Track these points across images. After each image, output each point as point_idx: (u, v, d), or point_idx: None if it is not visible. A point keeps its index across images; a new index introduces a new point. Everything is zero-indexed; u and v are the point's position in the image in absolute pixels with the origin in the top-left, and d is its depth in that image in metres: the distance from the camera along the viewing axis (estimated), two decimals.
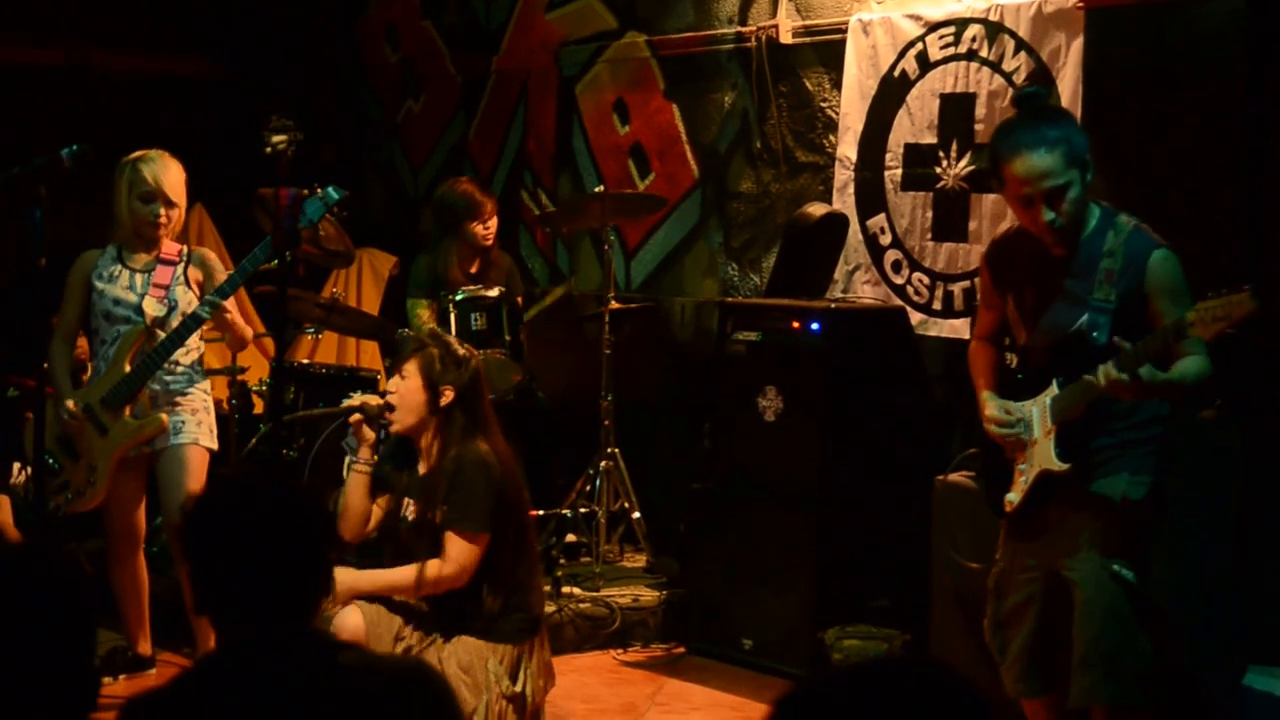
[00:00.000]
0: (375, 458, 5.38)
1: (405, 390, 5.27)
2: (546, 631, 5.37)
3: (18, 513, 6.83)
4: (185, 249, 6.37)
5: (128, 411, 6.19)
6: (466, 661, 5.10)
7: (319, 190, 5.93)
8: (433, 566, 5.11)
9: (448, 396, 5.24)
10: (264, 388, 7.89)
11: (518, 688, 5.15)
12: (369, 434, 5.35)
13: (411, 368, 5.28)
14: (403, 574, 5.16)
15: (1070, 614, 4.66)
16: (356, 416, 5.33)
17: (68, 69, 9.65)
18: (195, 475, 6.24)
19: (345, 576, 5.10)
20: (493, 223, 7.82)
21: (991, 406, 4.85)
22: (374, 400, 5.35)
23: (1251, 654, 5.35)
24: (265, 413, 7.79)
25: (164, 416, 6.21)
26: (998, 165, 4.62)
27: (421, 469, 5.31)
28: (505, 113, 9.35)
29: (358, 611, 5.11)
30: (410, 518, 5.30)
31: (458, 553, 5.11)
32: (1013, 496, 4.79)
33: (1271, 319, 4.43)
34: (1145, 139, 6.34)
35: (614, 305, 7.68)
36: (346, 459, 5.41)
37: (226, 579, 2.87)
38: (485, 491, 5.15)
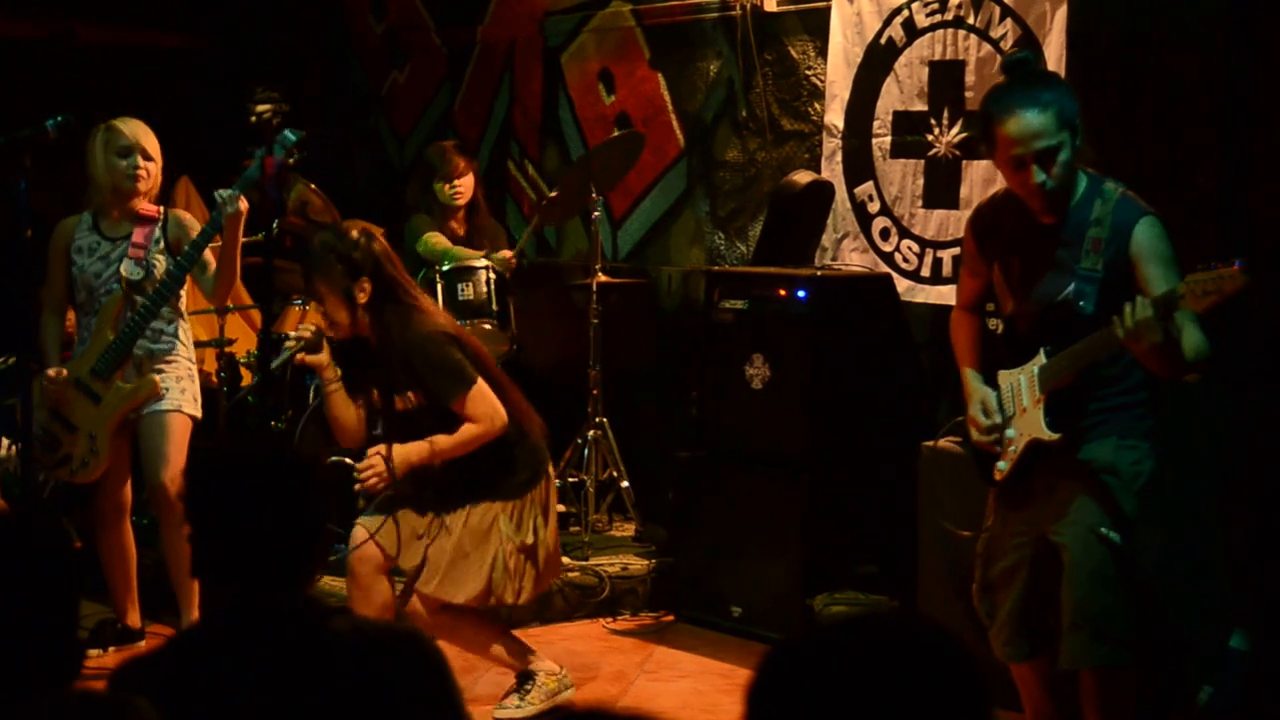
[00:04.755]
0: (339, 371, 5.55)
1: (328, 307, 5.45)
2: (552, 475, 5.69)
3: (7, 487, 6.82)
4: (163, 209, 6.36)
5: (119, 377, 6.20)
6: (476, 526, 5.46)
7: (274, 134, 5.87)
8: (468, 430, 5.40)
9: (365, 291, 5.39)
10: (251, 360, 7.89)
11: (529, 539, 5.49)
12: (321, 358, 5.53)
13: (322, 286, 5.45)
14: (448, 442, 5.42)
15: (1059, 578, 4.67)
16: (301, 356, 5.52)
17: (52, 41, 9.61)
18: (176, 443, 6.24)
19: (400, 452, 5.40)
20: (462, 183, 7.82)
21: (973, 404, 4.85)
22: (307, 331, 5.54)
23: (1238, 617, 5.37)
24: (253, 384, 7.78)
25: (156, 378, 6.23)
26: (989, 127, 4.62)
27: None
28: (491, 83, 9.32)
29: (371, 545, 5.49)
30: (381, 406, 5.54)
31: (475, 409, 5.41)
32: (1002, 465, 4.79)
33: (1258, 284, 4.43)
34: (1130, 106, 6.33)
35: (601, 279, 7.68)
36: (315, 383, 5.64)
37: (222, 545, 2.88)
38: (448, 353, 5.39)
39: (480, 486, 5.51)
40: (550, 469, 5.69)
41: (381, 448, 5.41)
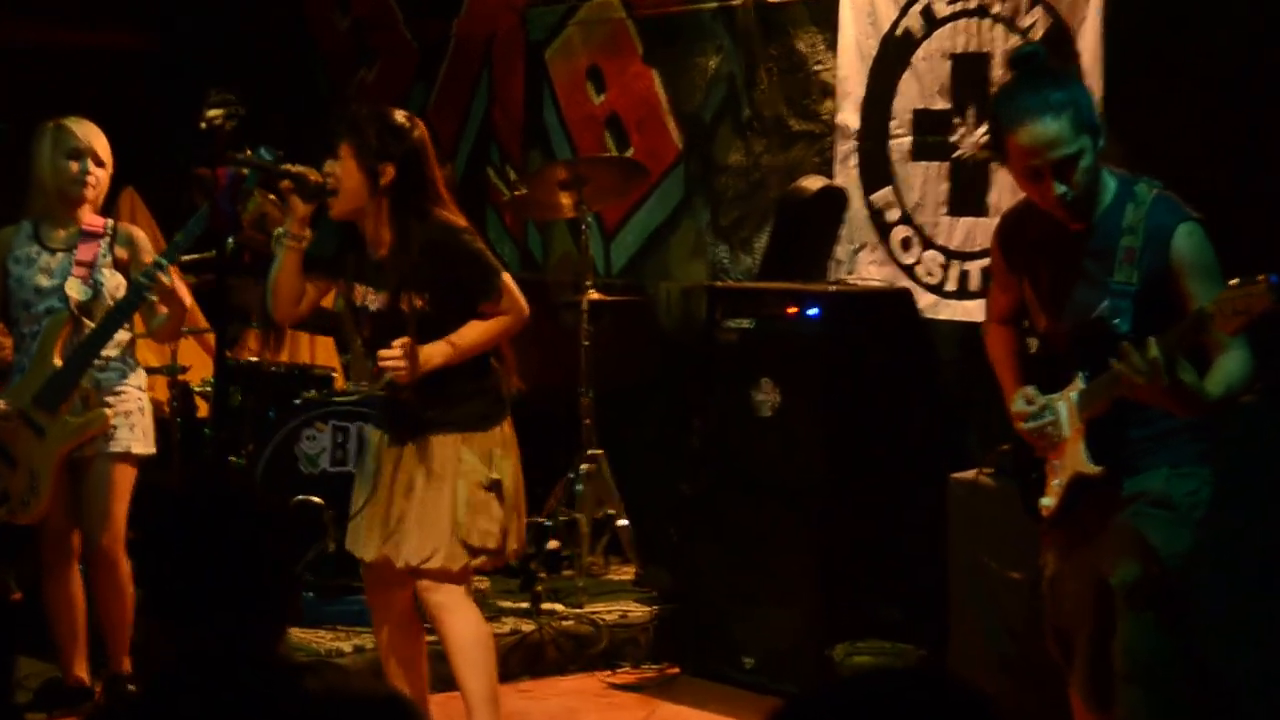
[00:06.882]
0: (308, 233, 5.48)
1: (342, 173, 5.37)
2: (511, 416, 5.65)
3: None
4: (111, 223, 6.35)
5: (65, 409, 6.17)
6: (439, 463, 5.38)
7: (248, 152, 5.85)
8: (498, 322, 5.47)
9: (388, 175, 5.34)
10: (207, 388, 7.86)
11: (495, 474, 5.45)
12: (300, 206, 5.41)
13: (345, 149, 5.37)
14: (473, 334, 5.43)
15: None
16: (287, 183, 5.39)
17: None
18: (119, 498, 6.24)
19: (425, 351, 5.30)
20: None
21: (1015, 401, 4.79)
22: (314, 174, 5.39)
23: None
24: (210, 415, 7.75)
25: (107, 411, 6.18)
26: (1000, 136, 4.58)
27: (376, 254, 5.43)
28: (467, 82, 9.32)
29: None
30: (373, 307, 5.46)
31: (506, 301, 5.47)
32: (1048, 501, 4.72)
33: None
34: (1173, 100, 6.31)
35: (593, 295, 7.66)
36: (276, 232, 5.51)
37: (185, 597, 2.85)
38: (479, 245, 5.47)
39: (452, 408, 5.44)
40: (510, 418, 5.65)
41: (407, 341, 5.29)
